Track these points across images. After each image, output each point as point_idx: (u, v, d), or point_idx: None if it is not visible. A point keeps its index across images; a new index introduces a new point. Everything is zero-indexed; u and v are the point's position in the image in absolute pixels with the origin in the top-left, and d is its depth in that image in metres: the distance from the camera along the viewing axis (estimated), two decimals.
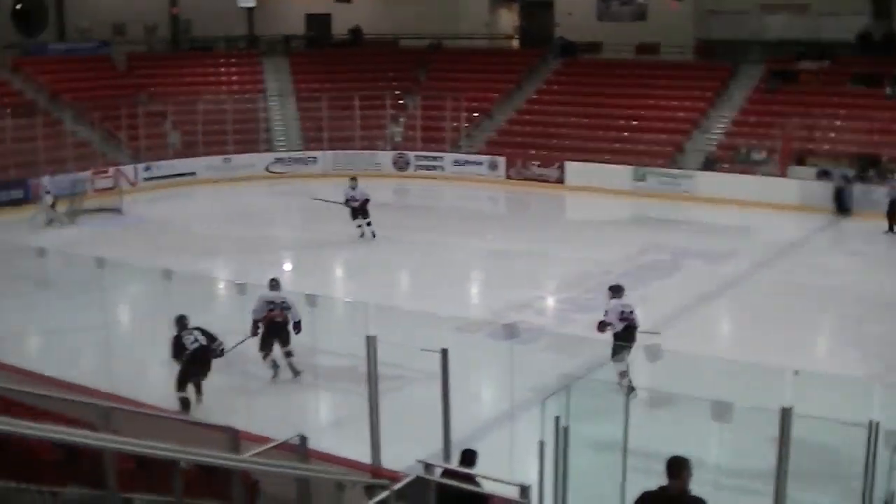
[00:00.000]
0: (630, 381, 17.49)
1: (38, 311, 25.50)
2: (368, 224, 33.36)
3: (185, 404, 18.63)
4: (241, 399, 17.26)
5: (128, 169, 43.80)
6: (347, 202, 33.54)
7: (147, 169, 44.64)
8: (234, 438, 11.63)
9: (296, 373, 20.07)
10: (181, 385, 18.77)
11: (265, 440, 12.83)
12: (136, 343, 23.37)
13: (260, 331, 20.17)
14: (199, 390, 19.03)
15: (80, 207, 38.19)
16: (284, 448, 11.96)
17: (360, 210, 33.39)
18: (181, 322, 19.04)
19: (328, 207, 33.71)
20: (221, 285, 25.70)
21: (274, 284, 20.77)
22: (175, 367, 18.80)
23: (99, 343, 20.35)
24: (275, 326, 20.19)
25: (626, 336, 18.79)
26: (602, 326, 19.19)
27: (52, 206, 37.21)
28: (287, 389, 19.86)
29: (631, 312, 19.35)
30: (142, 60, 52.73)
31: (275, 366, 20.27)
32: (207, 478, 9.55)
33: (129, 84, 50.09)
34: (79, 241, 33.72)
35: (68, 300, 25.50)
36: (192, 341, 18.80)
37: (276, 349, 20.07)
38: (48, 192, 37.22)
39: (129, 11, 54.22)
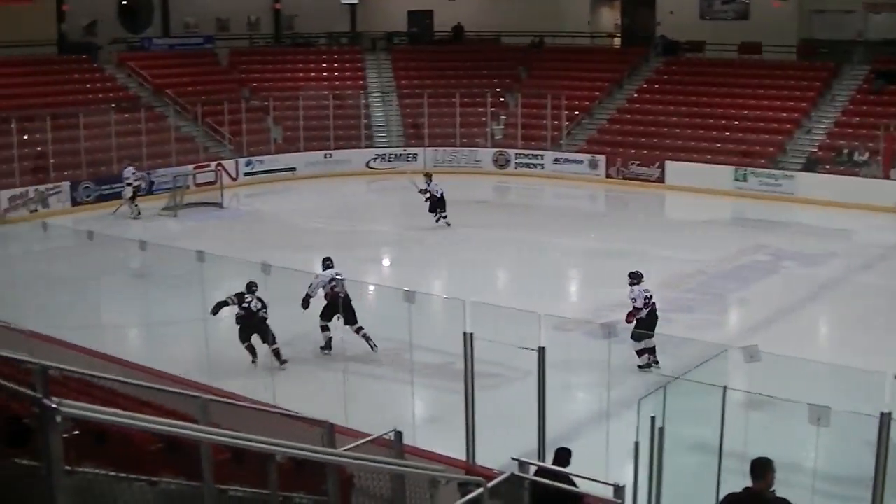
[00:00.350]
0: (650, 358, 20.36)
1: (138, 303, 25.83)
2: (444, 217, 34.41)
3: (252, 351, 21.18)
4: (337, 393, 17.34)
5: (229, 164, 44.27)
6: (424, 194, 34.63)
7: (248, 164, 45.05)
8: (329, 433, 11.67)
9: (372, 347, 21.68)
10: (242, 339, 21.15)
11: (361, 435, 12.90)
12: (233, 336, 23.58)
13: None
14: (270, 345, 21.06)
15: (182, 201, 38.64)
16: (380, 443, 12.00)
17: (437, 203, 34.41)
18: (249, 288, 21.23)
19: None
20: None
21: (328, 264, 22.70)
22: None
23: (198, 336, 20.54)
24: (336, 302, 21.56)
25: (649, 320, 20.95)
26: (634, 314, 20.90)
27: (132, 198, 37.71)
28: (383, 385, 19.97)
29: (651, 297, 21.36)
30: (244, 56, 53.26)
31: (328, 346, 21.92)
32: (302, 471, 9.61)
33: (231, 79, 50.65)
34: (179, 235, 34.14)
35: (168, 293, 25.81)
36: (254, 304, 21.03)
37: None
38: (129, 184, 37.70)
39: (232, 7, 54.78)
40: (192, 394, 11.43)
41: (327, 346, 22.07)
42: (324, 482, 9.32)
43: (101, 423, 6.57)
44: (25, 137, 40.11)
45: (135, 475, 7.46)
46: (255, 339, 20.95)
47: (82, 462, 7.21)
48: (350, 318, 21.63)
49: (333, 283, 21.90)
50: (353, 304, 21.47)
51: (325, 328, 22.01)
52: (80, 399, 9.02)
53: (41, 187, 38.60)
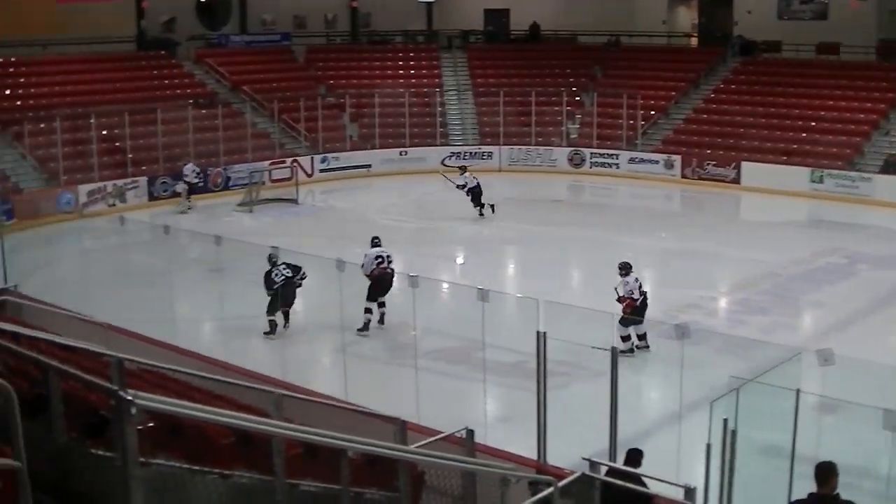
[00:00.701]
0: (634, 344, 20.90)
1: (213, 297, 26.04)
2: (482, 206, 35.72)
3: (272, 326, 22.72)
4: (410, 391, 17.41)
5: (305, 160, 44.47)
6: (462, 189, 35.82)
7: (324, 161, 45.27)
8: (402, 429, 11.73)
9: (381, 322, 23.37)
10: (271, 311, 22.70)
11: (433, 432, 12.95)
12: (307, 331, 23.73)
13: None
14: (286, 318, 22.99)
15: (257, 197, 38.91)
16: (451, 441, 12.04)
17: (475, 194, 35.62)
18: (271, 259, 22.91)
19: (503, 202, 33.80)
20: (394, 277, 25.93)
21: (376, 242, 24.46)
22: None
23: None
24: (385, 277, 23.34)
25: (640, 308, 21.57)
26: (629, 305, 21.48)
27: (188, 194, 38.09)
28: (456, 383, 20.01)
29: (642, 285, 22.29)
30: (321, 53, 53.56)
31: (365, 327, 22.97)
32: (374, 467, 9.66)
33: (308, 76, 50.95)
34: (255, 231, 34.38)
35: (243, 288, 26.00)
36: (279, 276, 22.60)
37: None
38: (186, 181, 38.04)
39: (309, 4, 55.10)
40: (266, 388, 11.53)
41: (365, 327, 22.94)
42: (395, 479, 9.36)
43: (176, 415, 6.64)
44: (104, 133, 40.57)
45: (207, 468, 7.52)
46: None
47: (156, 454, 7.29)
48: (386, 292, 23.54)
49: (380, 261, 23.50)
50: (427, 301, 21.53)
51: (367, 310, 23.03)
52: (155, 391, 9.13)
53: (119, 182, 39.00)
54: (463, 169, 36.75)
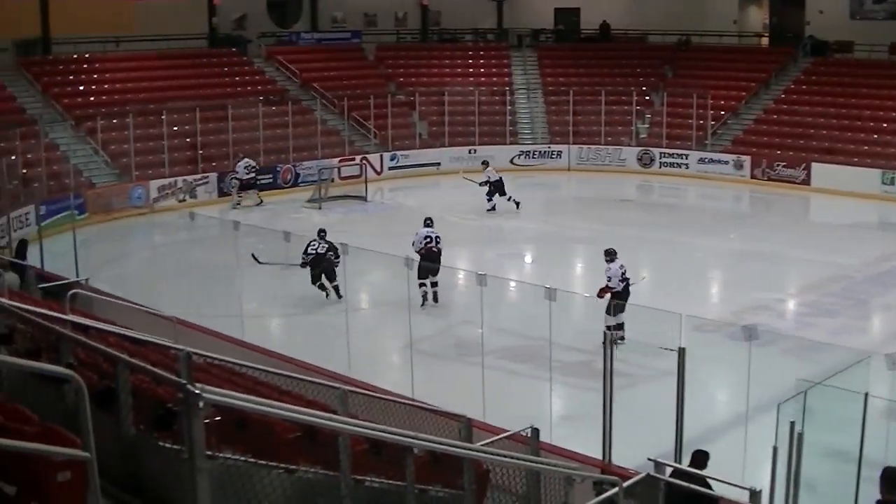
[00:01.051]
0: (621, 333, 20.45)
1: (281, 293, 26.17)
2: (510, 199, 36.68)
3: (323, 289, 25.32)
4: (476, 389, 17.42)
5: (374, 158, 44.60)
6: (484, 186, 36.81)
7: (393, 158, 45.40)
8: (467, 427, 11.75)
9: (435, 300, 24.83)
10: (314, 281, 25.35)
11: (498, 430, 12.96)
12: (374, 328, 23.82)
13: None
14: (336, 291, 25.06)
15: (326, 194, 39.08)
16: (517, 439, 12.05)
17: (495, 188, 36.38)
18: (319, 234, 25.64)
19: (571, 201, 33.72)
20: (461, 275, 25.96)
21: (429, 223, 26.31)
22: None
23: (339, 327, 20.77)
24: (431, 255, 24.74)
25: (624, 293, 21.73)
26: (605, 291, 21.76)
27: (238, 190, 38.33)
28: (521, 381, 20.00)
29: (626, 272, 22.51)
30: (391, 51, 53.74)
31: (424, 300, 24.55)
32: (438, 465, 9.68)
33: (378, 74, 51.12)
34: (324, 227, 34.48)
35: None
36: (313, 248, 25.28)
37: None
38: (236, 178, 38.26)
39: (380, 2, 55.25)
40: (332, 384, 11.59)
41: (424, 300, 24.49)
42: (460, 476, 9.38)
43: (242, 410, 6.70)
44: (175, 129, 40.92)
45: (273, 463, 7.58)
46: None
47: (222, 447, 7.35)
48: (436, 271, 24.75)
49: (428, 240, 25.21)
50: (494, 300, 21.56)
51: (421, 285, 24.39)
52: (222, 386, 9.20)
53: (189, 178, 39.31)
54: (486, 164, 37.72)
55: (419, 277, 23.73)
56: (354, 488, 8.17)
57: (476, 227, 35.74)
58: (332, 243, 24.91)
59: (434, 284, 24.74)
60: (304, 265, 25.23)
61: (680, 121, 47.09)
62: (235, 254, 23.98)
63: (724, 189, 43.16)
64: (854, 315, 25.28)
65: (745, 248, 32.45)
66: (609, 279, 21.93)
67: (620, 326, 20.96)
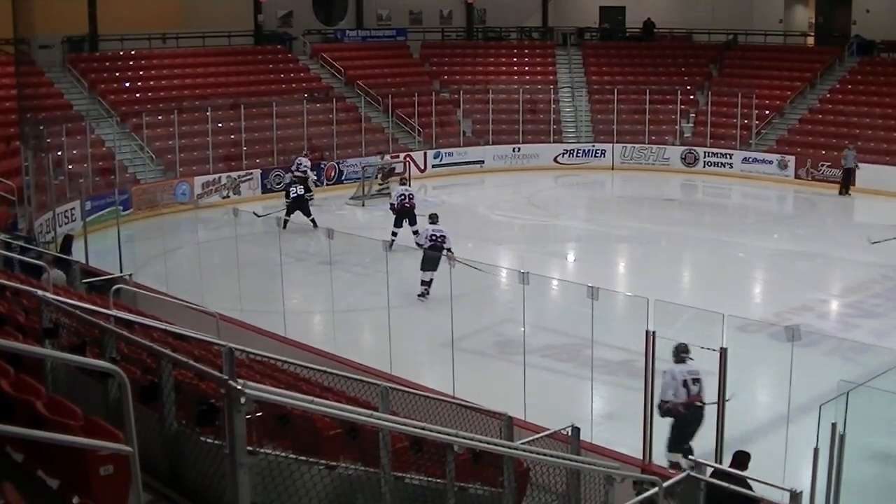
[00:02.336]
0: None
1: (324, 290, 26.25)
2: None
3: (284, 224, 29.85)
4: (517, 387, 17.42)
5: (418, 155, 44.70)
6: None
7: (437, 156, 45.47)
8: (508, 425, 11.77)
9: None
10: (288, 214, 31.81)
11: (539, 429, 12.98)
12: (416, 326, 23.85)
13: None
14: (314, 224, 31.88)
15: (370, 191, 39.15)
16: (557, 437, 12.07)
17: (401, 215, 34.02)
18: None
19: (615, 200, 33.62)
20: (503, 273, 25.95)
21: (434, 219, 26.79)
22: None
23: (381, 324, 20.81)
24: (435, 250, 25.07)
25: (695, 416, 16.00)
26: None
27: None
28: (563, 380, 19.99)
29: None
30: (436, 49, 53.74)
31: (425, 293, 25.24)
32: (479, 462, 9.71)
33: (422, 72, 51.22)
34: (366, 224, 34.60)
35: (353, 281, 26.19)
36: (295, 192, 32.96)
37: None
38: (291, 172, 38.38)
39: (425, 0, 55.25)
40: (373, 381, 11.63)
41: (422, 294, 25.41)
42: (500, 474, 9.41)
43: (284, 406, 6.74)
44: (220, 125, 41.10)
45: (314, 458, 7.63)
46: None
47: (264, 443, 7.41)
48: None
49: (434, 238, 25.86)
50: (537, 298, 21.59)
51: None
52: (264, 382, 9.26)
53: (233, 174, 39.48)
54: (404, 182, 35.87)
55: (422, 269, 25.04)
56: (395, 485, 8.21)
57: (520, 225, 35.75)
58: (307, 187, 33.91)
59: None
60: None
61: (724, 120, 46.93)
62: (279, 250, 24.06)
63: (768, 189, 42.96)
64: None
65: (789, 249, 32.31)
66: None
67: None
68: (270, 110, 42.07)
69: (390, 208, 31.27)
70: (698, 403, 15.30)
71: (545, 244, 32.01)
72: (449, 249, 25.15)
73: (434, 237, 25.78)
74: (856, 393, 11.55)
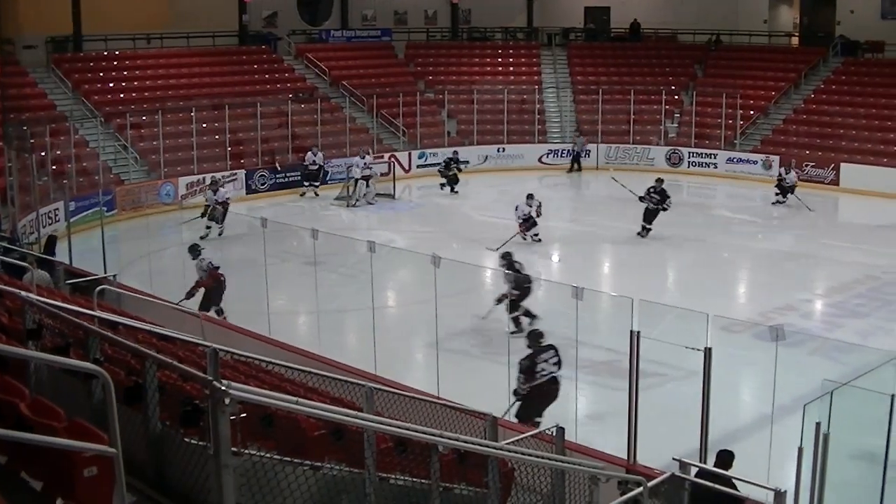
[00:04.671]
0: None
1: (308, 291, 26.24)
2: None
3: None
4: (501, 387, 17.43)
5: (402, 156, 44.72)
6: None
7: (421, 156, 45.50)
8: (492, 426, 11.79)
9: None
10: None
11: (523, 429, 12.99)
12: (401, 326, 23.85)
13: None
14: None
15: (355, 192, 39.13)
16: (542, 438, 12.08)
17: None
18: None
19: (601, 200, 33.62)
20: (488, 273, 25.97)
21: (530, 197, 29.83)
22: None
23: (365, 325, 20.80)
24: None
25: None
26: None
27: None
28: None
29: None
30: (421, 49, 53.83)
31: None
32: (464, 463, 9.72)
33: (407, 72, 51.29)
34: (351, 225, 34.57)
35: (338, 282, 26.18)
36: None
37: None
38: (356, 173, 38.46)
39: (410, 0, 55.30)
40: (358, 382, 11.63)
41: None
42: (485, 475, 9.41)
43: (268, 406, 6.74)
44: (204, 126, 41.06)
45: (298, 459, 7.63)
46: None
47: (248, 444, 7.40)
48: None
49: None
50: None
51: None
52: (248, 383, 9.25)
53: (218, 175, 39.43)
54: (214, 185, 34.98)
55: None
56: (379, 486, 8.22)
57: (505, 225, 35.70)
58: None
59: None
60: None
61: (709, 120, 47.06)
62: (263, 251, 24.04)
63: (753, 189, 43.03)
64: (882, 316, 25.17)
65: (773, 249, 32.39)
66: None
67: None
68: (255, 110, 42.09)
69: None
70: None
71: (530, 244, 31.97)
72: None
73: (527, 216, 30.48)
74: (840, 392, 11.57)
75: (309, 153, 39.69)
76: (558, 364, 16.94)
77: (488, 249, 29.23)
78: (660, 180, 33.04)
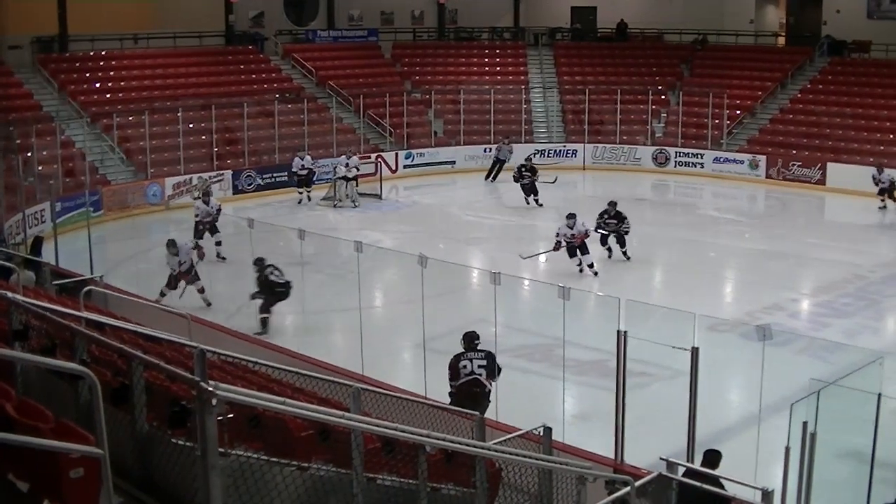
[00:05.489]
0: None
1: (295, 291, 26.24)
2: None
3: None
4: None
5: (389, 156, 44.71)
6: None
7: (408, 156, 45.49)
8: (480, 426, 11.79)
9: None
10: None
11: (510, 429, 12.99)
12: (388, 327, 23.84)
13: None
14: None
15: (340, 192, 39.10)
16: (529, 438, 12.07)
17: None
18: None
19: (587, 200, 33.63)
20: (475, 273, 25.98)
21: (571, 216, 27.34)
22: None
23: (353, 325, 20.79)
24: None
25: None
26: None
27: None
28: (535, 380, 20.00)
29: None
30: (407, 49, 53.78)
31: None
32: (451, 463, 9.72)
33: (394, 72, 51.26)
34: (338, 225, 34.54)
35: (326, 282, 26.16)
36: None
37: None
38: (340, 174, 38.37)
39: (396, 1, 55.31)
40: (345, 382, 11.62)
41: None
42: (472, 475, 9.41)
43: (256, 407, 6.74)
44: (191, 126, 41.02)
45: (286, 460, 7.62)
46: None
47: (236, 444, 7.39)
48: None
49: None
50: (508, 298, 21.55)
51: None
52: (236, 383, 9.24)
53: (204, 175, 39.39)
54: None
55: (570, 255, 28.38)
56: (367, 486, 8.21)
57: (491, 225, 35.79)
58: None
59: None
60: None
61: (696, 120, 47.11)
62: (250, 251, 24.02)
63: (740, 189, 43.13)
64: (868, 315, 25.25)
65: (760, 248, 32.41)
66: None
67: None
68: (242, 111, 42.02)
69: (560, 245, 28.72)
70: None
71: (517, 244, 31.98)
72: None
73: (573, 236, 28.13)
74: (827, 392, 11.59)
75: (296, 159, 39.37)
76: (485, 368, 16.75)
77: (519, 256, 29.13)
78: (612, 203, 30.67)
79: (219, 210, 30.40)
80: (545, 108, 50.01)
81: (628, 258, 29.70)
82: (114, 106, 40.71)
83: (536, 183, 38.00)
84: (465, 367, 16.70)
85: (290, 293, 23.31)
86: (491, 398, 16.61)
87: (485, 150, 46.35)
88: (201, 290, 24.69)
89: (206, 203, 30.58)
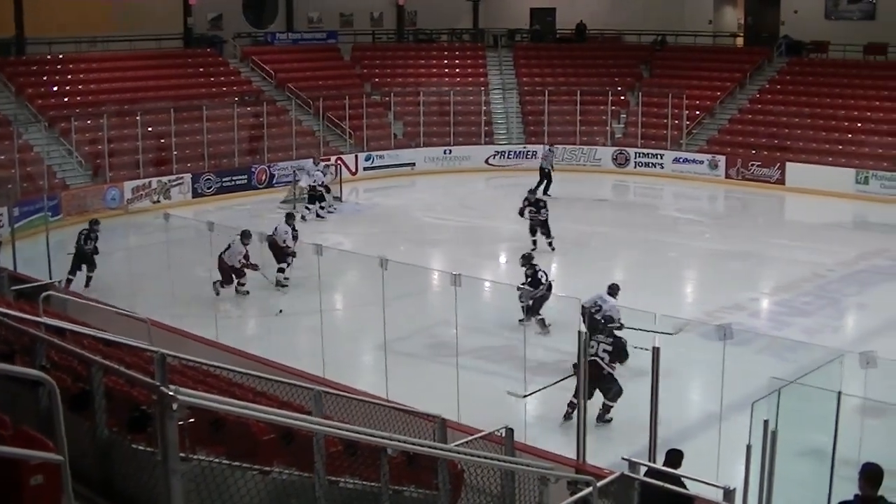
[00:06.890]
0: None
1: (256, 295, 26.17)
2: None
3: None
4: (450, 389, 17.42)
5: (349, 158, 44.64)
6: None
7: (368, 158, 45.44)
8: (441, 428, 11.77)
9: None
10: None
11: (472, 431, 12.98)
12: (348, 329, 23.80)
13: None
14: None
15: (301, 195, 38.98)
16: (491, 439, 12.07)
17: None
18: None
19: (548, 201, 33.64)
20: (435, 275, 25.97)
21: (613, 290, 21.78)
22: None
23: (313, 328, 20.76)
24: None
25: None
26: None
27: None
28: (496, 381, 19.99)
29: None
30: (367, 51, 53.76)
31: None
32: (413, 465, 9.71)
33: (353, 74, 51.16)
34: (298, 227, 34.45)
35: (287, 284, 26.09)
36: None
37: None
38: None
39: (355, 2, 55.33)
40: (307, 385, 11.59)
41: None
42: (435, 477, 9.41)
43: (217, 411, 6.70)
44: (150, 129, 40.81)
45: (247, 464, 7.60)
46: None
47: (197, 449, 7.36)
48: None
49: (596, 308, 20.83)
50: (469, 300, 21.58)
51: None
52: (197, 388, 9.19)
53: (164, 179, 39.23)
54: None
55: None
56: (329, 489, 8.20)
57: (452, 227, 35.78)
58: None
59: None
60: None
61: (655, 121, 47.26)
62: (210, 255, 23.95)
63: (699, 189, 43.28)
64: (828, 314, 25.41)
65: (720, 248, 32.55)
66: None
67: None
68: (201, 114, 41.87)
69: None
70: None
71: (477, 246, 32.02)
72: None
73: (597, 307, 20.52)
74: (787, 390, 11.64)
75: (304, 177, 38.20)
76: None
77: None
78: (532, 192, 31.96)
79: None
80: (505, 110, 50.04)
81: (553, 249, 30.10)
82: (72, 109, 40.47)
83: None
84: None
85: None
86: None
87: (445, 152, 46.35)
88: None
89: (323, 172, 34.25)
